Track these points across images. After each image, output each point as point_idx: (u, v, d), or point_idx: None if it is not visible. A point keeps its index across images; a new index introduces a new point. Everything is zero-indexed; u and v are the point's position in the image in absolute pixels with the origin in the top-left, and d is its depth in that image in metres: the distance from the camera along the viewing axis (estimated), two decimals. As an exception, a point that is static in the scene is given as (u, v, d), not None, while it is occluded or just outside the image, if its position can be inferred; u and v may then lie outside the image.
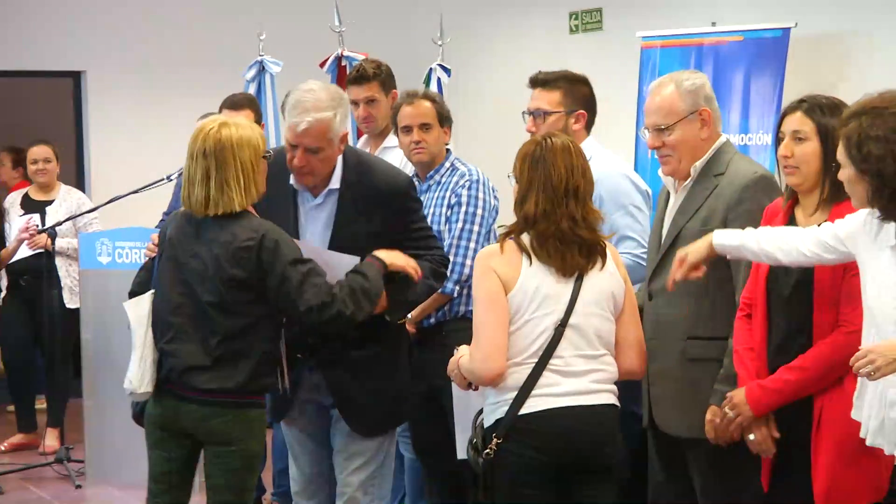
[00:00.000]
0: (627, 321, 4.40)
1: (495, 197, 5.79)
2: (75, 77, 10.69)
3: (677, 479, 4.67)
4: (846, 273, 4.03)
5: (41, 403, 9.48)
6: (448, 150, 5.92)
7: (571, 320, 4.26)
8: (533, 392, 4.24)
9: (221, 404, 4.57)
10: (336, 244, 4.83)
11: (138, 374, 4.67)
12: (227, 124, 4.58)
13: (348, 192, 4.87)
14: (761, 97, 7.96)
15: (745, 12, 8.39)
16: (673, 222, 4.63)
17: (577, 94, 5.39)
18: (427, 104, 5.85)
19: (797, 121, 4.16)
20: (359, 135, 7.87)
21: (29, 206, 8.82)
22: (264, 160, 4.62)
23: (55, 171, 9.02)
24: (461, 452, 4.57)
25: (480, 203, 5.72)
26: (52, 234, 8.30)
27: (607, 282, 4.35)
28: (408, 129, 5.80)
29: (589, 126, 5.41)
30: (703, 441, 4.45)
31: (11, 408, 9.53)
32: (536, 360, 4.24)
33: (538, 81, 5.41)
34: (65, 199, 8.98)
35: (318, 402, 5.01)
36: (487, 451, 4.27)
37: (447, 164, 5.85)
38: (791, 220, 4.22)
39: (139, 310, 4.73)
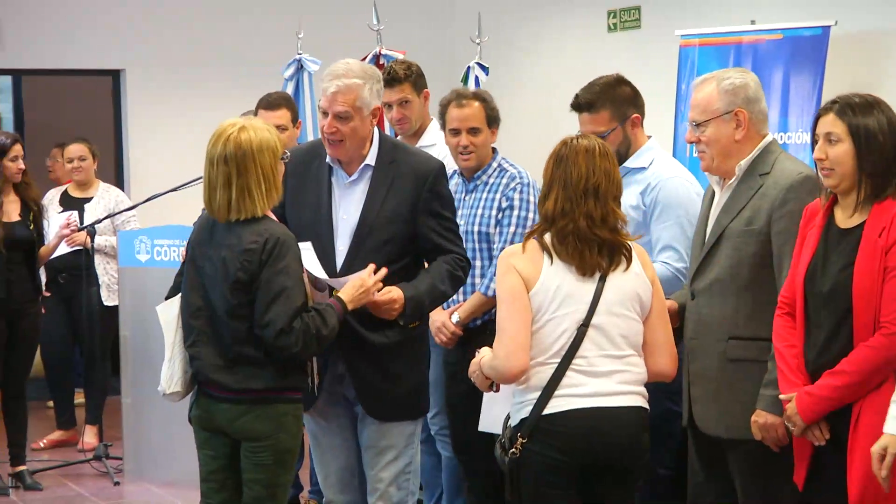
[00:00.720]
0: (655, 322, 4.39)
1: None
2: (115, 75, 10.74)
3: (717, 480, 4.66)
4: (886, 273, 4.00)
5: (79, 398, 9.54)
6: (494, 149, 5.92)
7: (594, 320, 4.27)
8: (556, 392, 4.25)
9: (250, 402, 4.62)
10: (365, 222, 4.88)
11: (167, 375, 4.76)
12: (245, 128, 4.59)
13: (382, 171, 4.93)
14: (800, 96, 7.92)
15: (785, 10, 8.34)
16: (717, 221, 4.61)
17: (622, 100, 5.25)
18: (476, 105, 5.86)
19: (829, 123, 4.14)
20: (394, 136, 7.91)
21: (68, 203, 8.86)
22: (282, 162, 4.64)
23: (91, 168, 9.05)
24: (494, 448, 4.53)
25: (531, 206, 5.72)
26: (91, 231, 8.33)
27: (632, 282, 4.34)
28: (456, 132, 5.82)
29: (642, 122, 5.34)
30: (742, 442, 4.45)
31: (51, 404, 9.59)
32: (559, 360, 4.25)
33: (582, 106, 5.24)
34: (103, 197, 9.02)
35: (342, 394, 5.03)
36: (513, 450, 4.29)
37: (494, 165, 5.86)
38: (830, 220, 4.19)
39: (168, 313, 4.79)
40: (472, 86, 9.19)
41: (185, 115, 10.48)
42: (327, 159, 4.95)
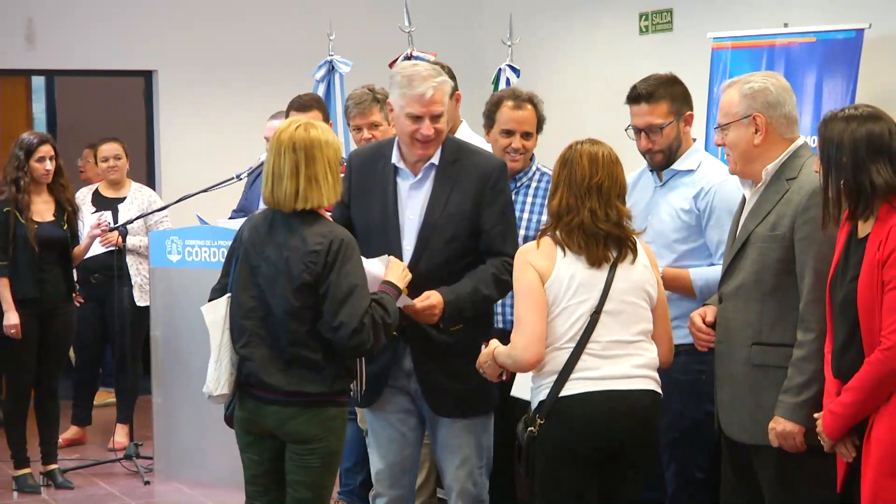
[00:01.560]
0: (658, 316, 4.67)
1: None
2: (147, 76, 10.78)
3: (748, 484, 4.64)
4: (884, 287, 4.00)
5: (101, 398, 9.57)
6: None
7: (606, 307, 4.53)
8: (572, 376, 4.50)
9: (301, 405, 4.68)
10: (430, 221, 5.02)
11: (214, 377, 4.76)
12: (313, 125, 4.71)
13: (446, 170, 5.06)
14: (833, 99, 7.89)
15: (818, 13, 8.32)
16: (744, 226, 4.61)
17: (679, 96, 5.25)
18: (530, 108, 5.90)
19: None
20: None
21: (100, 202, 8.89)
22: (341, 166, 4.77)
23: (125, 167, 9.09)
24: None
25: None
26: (123, 231, 8.37)
27: (641, 274, 4.62)
28: (509, 133, 5.84)
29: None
30: (766, 448, 4.45)
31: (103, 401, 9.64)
32: (574, 344, 4.51)
33: (641, 96, 5.20)
34: (136, 197, 9.05)
35: (406, 389, 5.11)
36: (531, 429, 4.54)
37: (534, 168, 5.92)
38: (854, 228, 4.18)
39: (215, 314, 4.80)
40: (502, 87, 9.20)
41: (217, 116, 10.52)
42: (393, 160, 5.08)
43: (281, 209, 4.68)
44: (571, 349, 4.52)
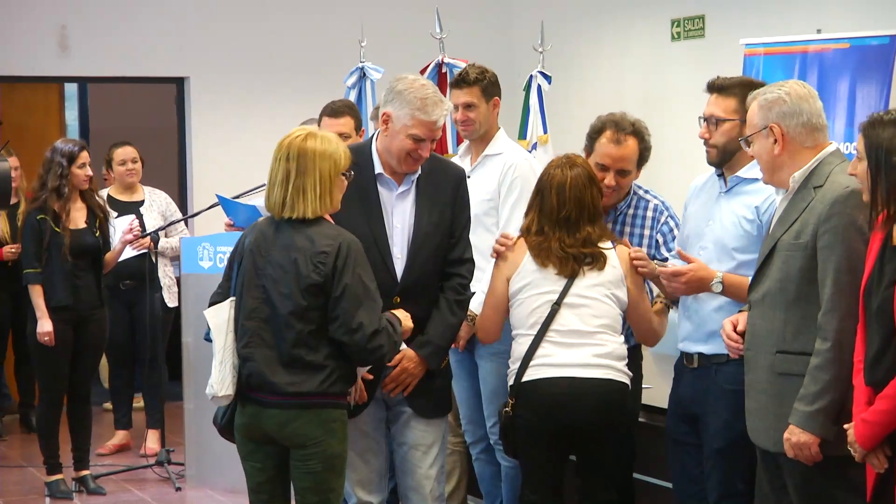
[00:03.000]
0: (631, 310, 5.27)
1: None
2: (179, 83, 10.82)
3: (779, 493, 4.62)
4: None
5: (137, 402, 9.62)
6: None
7: (567, 300, 5.13)
8: (532, 362, 5.13)
9: (301, 406, 4.71)
10: (420, 229, 5.13)
11: (219, 378, 4.81)
12: (313, 135, 4.78)
13: (424, 180, 5.17)
14: (867, 105, 7.84)
15: (852, 19, 8.27)
16: (771, 234, 4.61)
17: None
18: (631, 144, 5.61)
19: (859, 140, 4.21)
20: (458, 140, 7.89)
21: (118, 207, 8.88)
22: (343, 178, 4.78)
23: (140, 171, 9.14)
24: None
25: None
26: (154, 238, 8.40)
27: (608, 274, 5.21)
28: (603, 168, 5.55)
29: None
30: (786, 455, 4.44)
31: (108, 405, 9.67)
32: (535, 332, 5.12)
33: (715, 87, 5.18)
34: (153, 200, 9.12)
35: (380, 396, 5.19)
36: (506, 409, 5.19)
37: (631, 192, 5.75)
38: (889, 236, 4.15)
39: (219, 317, 4.85)
40: (534, 95, 9.17)
41: (248, 123, 10.54)
42: (376, 169, 5.12)
43: (281, 215, 4.77)
44: (533, 336, 5.13)
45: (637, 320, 5.37)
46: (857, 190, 4.34)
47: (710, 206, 5.19)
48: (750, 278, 4.91)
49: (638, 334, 5.50)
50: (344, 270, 4.66)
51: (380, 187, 5.13)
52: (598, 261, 5.17)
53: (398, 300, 5.01)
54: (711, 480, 5.10)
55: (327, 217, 4.79)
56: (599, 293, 5.18)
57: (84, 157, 7.77)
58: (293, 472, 4.79)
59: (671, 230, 5.68)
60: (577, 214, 5.15)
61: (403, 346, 5.02)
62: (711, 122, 5.14)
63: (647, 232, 5.68)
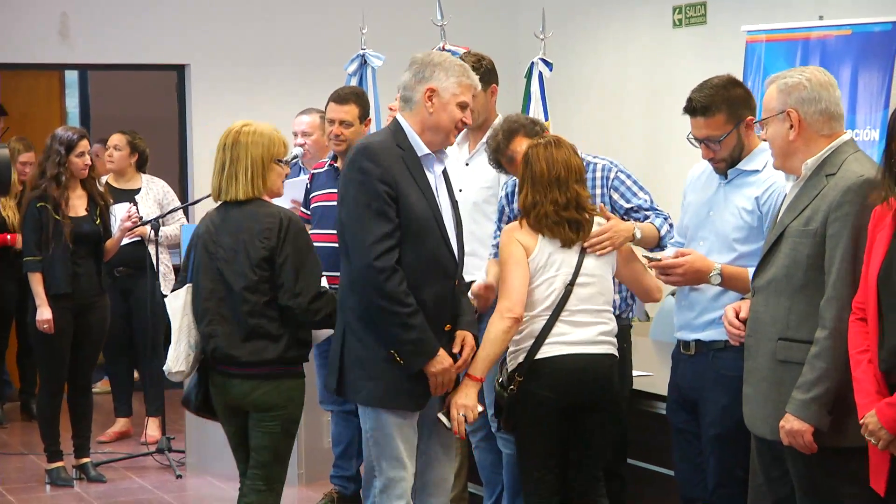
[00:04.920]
0: (621, 266, 5.43)
1: None
2: (180, 70, 10.81)
3: (775, 482, 4.62)
4: None
5: (105, 385, 9.60)
6: None
7: (578, 280, 5.27)
8: (547, 340, 5.23)
9: (261, 377, 5.18)
10: (457, 211, 5.20)
11: (173, 356, 5.30)
12: (249, 124, 5.32)
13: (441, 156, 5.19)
14: (869, 92, 7.84)
15: (854, 5, 8.27)
16: (780, 220, 4.57)
17: (737, 101, 5.07)
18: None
19: None
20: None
21: (115, 195, 8.80)
22: (278, 165, 5.27)
23: (125, 158, 9.10)
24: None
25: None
26: (154, 225, 8.37)
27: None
28: None
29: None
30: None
31: (98, 387, 9.65)
32: (550, 312, 5.23)
33: (696, 111, 5.06)
34: (150, 188, 9.09)
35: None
36: (512, 387, 5.23)
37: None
38: None
39: (176, 302, 5.32)
40: (535, 82, 9.17)
41: (249, 110, 10.43)
42: (423, 151, 5.04)
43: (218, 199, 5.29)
44: (548, 317, 5.24)
45: (632, 277, 5.52)
46: (871, 179, 4.30)
47: (709, 196, 5.17)
48: (749, 270, 4.91)
49: (638, 292, 5.62)
50: (286, 241, 5.12)
51: (425, 169, 5.07)
52: (584, 229, 5.30)
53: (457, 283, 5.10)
54: (710, 467, 5.09)
55: (266, 199, 5.24)
56: (605, 271, 5.35)
57: (83, 145, 7.74)
58: (251, 432, 5.29)
59: (623, 183, 5.78)
60: (567, 173, 5.28)
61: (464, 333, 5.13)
62: (711, 142, 5.05)
63: (597, 192, 5.73)
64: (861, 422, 4.12)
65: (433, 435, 5.18)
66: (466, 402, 5.05)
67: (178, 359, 5.28)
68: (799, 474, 4.46)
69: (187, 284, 5.32)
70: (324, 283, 5.29)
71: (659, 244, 5.57)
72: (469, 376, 5.11)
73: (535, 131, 5.68)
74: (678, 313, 5.24)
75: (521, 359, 5.26)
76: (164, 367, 5.32)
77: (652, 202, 5.77)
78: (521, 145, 5.57)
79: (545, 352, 5.23)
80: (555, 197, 5.25)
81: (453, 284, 5.06)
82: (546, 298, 5.25)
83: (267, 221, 5.15)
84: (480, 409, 5.12)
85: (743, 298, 4.79)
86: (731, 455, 4.99)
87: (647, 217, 5.67)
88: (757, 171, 5.05)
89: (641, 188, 5.82)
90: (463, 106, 5.04)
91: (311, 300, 5.11)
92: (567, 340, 5.24)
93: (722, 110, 5.02)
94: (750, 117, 5.07)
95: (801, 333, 4.42)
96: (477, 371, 5.12)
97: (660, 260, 5.09)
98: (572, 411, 5.28)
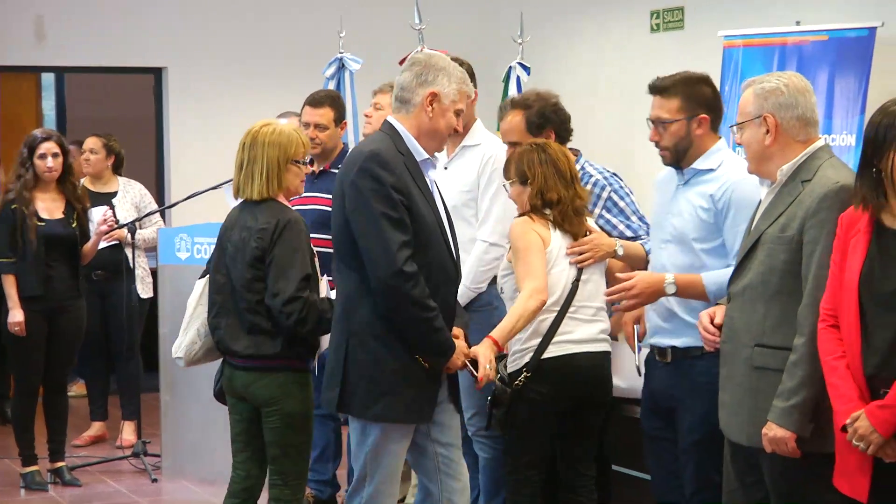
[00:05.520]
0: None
1: None
2: (157, 73, 10.78)
3: (749, 488, 4.61)
4: None
5: (80, 389, 9.52)
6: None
7: (583, 276, 5.40)
8: (555, 339, 5.32)
9: (260, 369, 5.26)
10: (447, 206, 5.11)
11: (178, 342, 5.49)
12: (268, 124, 5.35)
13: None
14: (845, 97, 7.88)
15: (830, 11, 8.30)
16: (756, 226, 4.56)
17: (697, 96, 5.12)
18: (516, 117, 5.90)
19: None
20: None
21: (91, 198, 8.75)
22: (296, 165, 5.30)
23: (102, 162, 9.06)
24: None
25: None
26: (131, 229, 8.34)
27: None
28: None
29: (715, 126, 5.14)
30: (765, 451, 4.40)
31: (72, 391, 9.60)
32: (559, 308, 5.34)
33: (655, 88, 5.16)
34: (127, 191, 9.06)
35: None
36: (517, 382, 5.31)
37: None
38: (879, 224, 4.10)
39: (194, 293, 5.51)
40: (513, 86, 9.17)
41: (226, 113, 10.50)
42: (422, 156, 4.91)
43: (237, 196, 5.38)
44: (556, 312, 5.34)
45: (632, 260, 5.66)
46: (847, 185, 4.29)
47: (669, 199, 5.19)
48: (703, 275, 4.91)
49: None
50: (277, 243, 5.16)
51: (428, 174, 4.98)
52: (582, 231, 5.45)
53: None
54: (687, 473, 5.10)
55: (281, 199, 5.30)
56: (601, 270, 5.51)
57: (44, 147, 7.70)
58: (263, 428, 5.35)
59: (615, 205, 5.87)
60: (574, 171, 5.48)
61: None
62: (658, 124, 5.11)
63: (595, 210, 5.82)
64: (848, 427, 4.08)
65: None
66: (491, 357, 5.04)
67: (181, 346, 5.45)
68: (775, 480, 4.45)
69: (207, 276, 5.47)
70: (324, 289, 5.33)
71: (646, 267, 5.52)
72: (492, 339, 5.11)
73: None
74: (649, 317, 5.25)
75: (527, 358, 5.35)
76: (172, 351, 5.54)
77: (640, 230, 5.78)
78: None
79: (554, 350, 5.33)
80: (573, 193, 5.42)
81: (455, 289, 5.01)
82: (554, 293, 5.34)
83: (265, 221, 5.20)
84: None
85: (717, 304, 4.78)
86: (709, 461, 4.98)
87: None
88: (712, 170, 5.06)
89: (635, 211, 5.87)
90: (458, 113, 4.95)
91: (285, 302, 5.11)
92: (573, 339, 5.35)
93: (679, 97, 5.08)
94: (703, 116, 5.08)
95: (776, 340, 4.41)
96: (501, 339, 5.15)
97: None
98: (572, 409, 5.40)
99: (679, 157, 5.10)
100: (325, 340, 5.20)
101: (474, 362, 4.98)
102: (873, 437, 4.01)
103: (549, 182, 5.39)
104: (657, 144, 5.13)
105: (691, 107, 5.08)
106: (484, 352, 5.01)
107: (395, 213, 4.71)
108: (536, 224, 5.38)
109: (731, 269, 4.75)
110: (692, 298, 4.99)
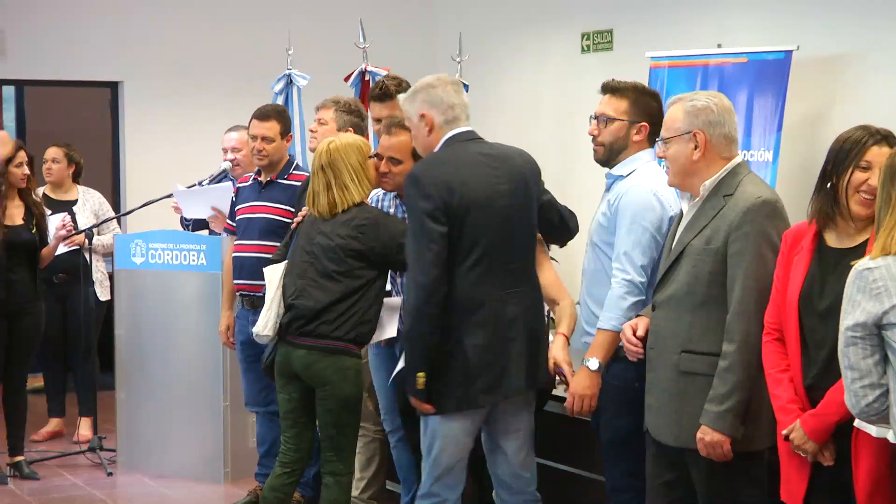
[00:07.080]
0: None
1: None
2: (113, 87, 10.77)
3: (671, 487, 4.66)
4: None
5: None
6: None
7: None
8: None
9: (322, 350, 5.49)
10: None
11: (263, 321, 5.64)
12: (334, 140, 5.62)
13: None
14: (763, 116, 7.96)
15: (750, 35, 8.41)
16: (679, 238, 4.59)
17: (644, 106, 5.14)
18: (403, 136, 5.71)
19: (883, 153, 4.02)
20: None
21: (52, 205, 8.79)
22: (371, 160, 5.59)
23: (63, 171, 9.08)
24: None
25: None
26: (88, 234, 8.38)
27: None
28: (379, 157, 5.73)
29: (651, 139, 5.09)
30: (694, 450, 4.44)
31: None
32: None
33: (608, 88, 5.19)
34: (87, 200, 9.07)
35: None
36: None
37: None
38: (821, 242, 4.17)
39: (274, 274, 5.71)
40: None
41: (180, 126, 10.54)
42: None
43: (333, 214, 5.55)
44: None
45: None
46: (769, 200, 4.38)
47: (596, 207, 5.23)
48: (602, 332, 4.95)
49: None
50: (385, 235, 5.44)
51: None
52: None
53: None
54: (605, 471, 5.13)
55: (366, 201, 5.60)
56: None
57: (21, 156, 7.75)
58: (317, 407, 5.59)
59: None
60: None
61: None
62: (601, 120, 5.13)
63: None
64: (786, 436, 4.15)
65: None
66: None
67: (267, 325, 5.63)
68: (702, 479, 4.49)
69: (285, 262, 5.71)
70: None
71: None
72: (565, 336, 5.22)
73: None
74: (580, 321, 5.26)
75: None
76: (253, 329, 5.72)
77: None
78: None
79: None
80: None
81: None
82: None
83: (362, 218, 5.50)
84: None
85: (639, 315, 4.77)
86: (623, 463, 5.00)
87: None
88: (622, 177, 5.08)
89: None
90: None
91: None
92: None
93: (628, 100, 5.12)
94: (643, 124, 5.10)
95: (702, 346, 4.45)
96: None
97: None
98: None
99: (611, 156, 5.11)
100: (384, 330, 5.63)
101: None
102: (808, 445, 4.08)
103: None
104: (594, 139, 5.13)
105: (637, 112, 5.11)
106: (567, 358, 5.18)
107: None
108: None
109: (610, 293, 4.87)
110: (613, 346, 4.94)
